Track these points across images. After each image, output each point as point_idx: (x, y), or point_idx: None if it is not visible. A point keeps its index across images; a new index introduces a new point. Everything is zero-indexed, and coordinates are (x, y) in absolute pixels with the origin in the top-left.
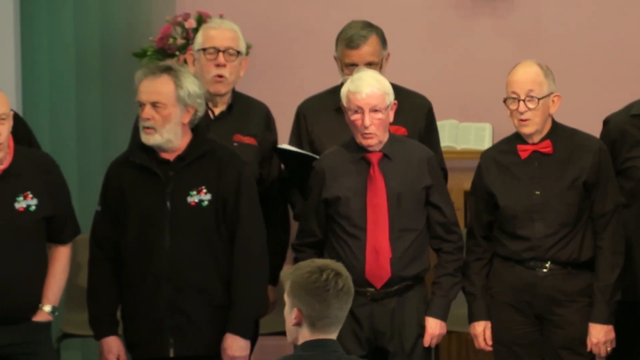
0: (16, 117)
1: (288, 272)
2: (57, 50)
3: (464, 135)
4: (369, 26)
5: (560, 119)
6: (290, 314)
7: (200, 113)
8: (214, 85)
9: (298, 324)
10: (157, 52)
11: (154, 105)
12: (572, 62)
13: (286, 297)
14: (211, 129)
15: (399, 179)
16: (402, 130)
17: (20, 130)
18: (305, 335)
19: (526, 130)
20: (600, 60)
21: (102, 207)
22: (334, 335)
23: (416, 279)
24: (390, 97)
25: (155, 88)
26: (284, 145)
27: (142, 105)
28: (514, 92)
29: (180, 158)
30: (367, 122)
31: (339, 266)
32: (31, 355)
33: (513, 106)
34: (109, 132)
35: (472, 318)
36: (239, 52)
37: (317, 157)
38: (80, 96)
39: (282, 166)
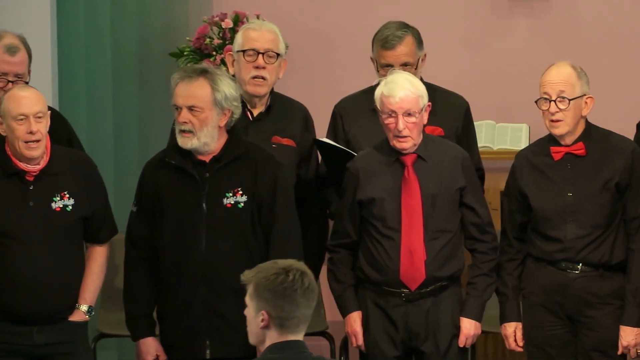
0: (57, 116)
1: (250, 275)
2: (94, 50)
3: (501, 135)
4: (405, 27)
5: (595, 121)
6: (256, 317)
7: (237, 115)
8: (253, 86)
9: (266, 327)
10: (193, 52)
11: (191, 109)
12: (609, 63)
13: (249, 300)
14: (250, 130)
15: (433, 181)
16: (438, 131)
17: (61, 129)
18: (273, 337)
19: (557, 131)
20: (637, 62)
21: (138, 207)
22: (300, 336)
23: (451, 279)
24: (424, 100)
25: (192, 92)
26: (324, 138)
27: (178, 108)
28: (545, 93)
29: (215, 159)
30: (401, 126)
31: (302, 265)
32: (68, 355)
33: (544, 106)
34: (146, 132)
35: (504, 319)
36: (278, 54)
37: (355, 154)
38: (116, 96)
39: (320, 162)
